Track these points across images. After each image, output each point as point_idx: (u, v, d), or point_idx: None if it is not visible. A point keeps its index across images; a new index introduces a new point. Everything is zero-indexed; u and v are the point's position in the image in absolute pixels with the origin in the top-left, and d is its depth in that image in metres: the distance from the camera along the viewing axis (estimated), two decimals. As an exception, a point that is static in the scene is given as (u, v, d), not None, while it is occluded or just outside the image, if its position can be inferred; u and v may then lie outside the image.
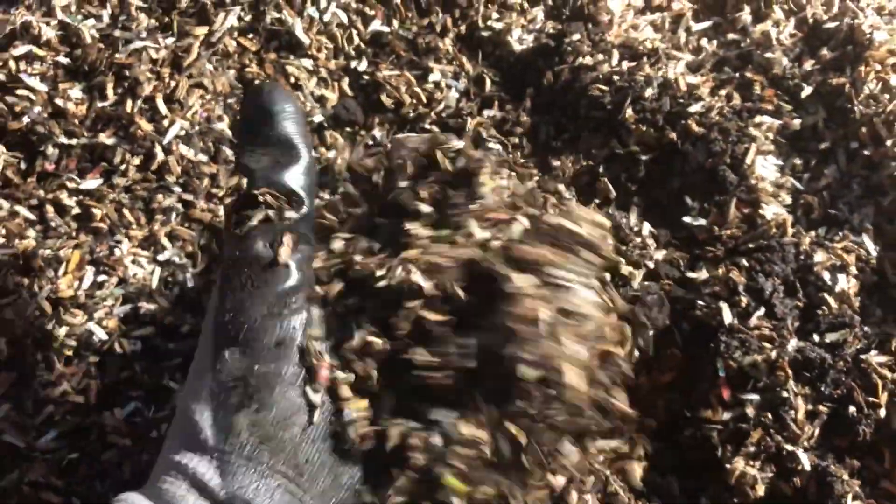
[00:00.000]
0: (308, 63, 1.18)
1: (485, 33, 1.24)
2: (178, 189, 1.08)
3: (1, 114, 1.06)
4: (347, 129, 1.18)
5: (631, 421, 0.83)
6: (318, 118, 1.16)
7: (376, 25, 1.22)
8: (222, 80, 1.13)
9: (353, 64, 1.20)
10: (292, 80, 1.17)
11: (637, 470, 0.91)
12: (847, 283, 1.03)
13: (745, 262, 1.03)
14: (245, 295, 0.69)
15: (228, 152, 1.12)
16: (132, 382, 0.97)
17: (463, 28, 1.24)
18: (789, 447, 0.93)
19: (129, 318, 1.00)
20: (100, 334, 0.97)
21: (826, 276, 1.03)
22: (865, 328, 1.01)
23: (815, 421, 0.95)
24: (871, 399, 0.96)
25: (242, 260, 0.70)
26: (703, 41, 1.24)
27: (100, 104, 1.08)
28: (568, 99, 1.18)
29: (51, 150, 1.05)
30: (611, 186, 1.10)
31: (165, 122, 1.08)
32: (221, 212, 1.06)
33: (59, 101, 1.07)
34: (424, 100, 1.19)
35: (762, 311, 1.00)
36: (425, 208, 0.77)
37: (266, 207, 0.71)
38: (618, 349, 0.79)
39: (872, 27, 1.17)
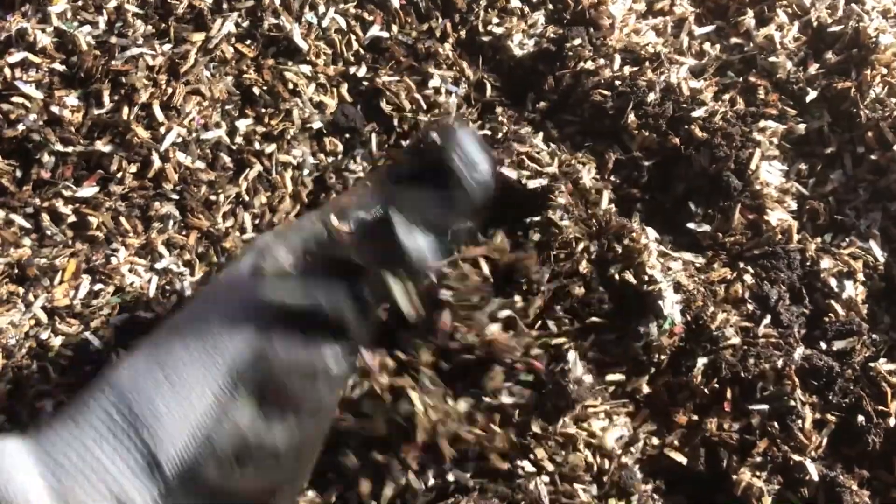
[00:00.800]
0: (306, 69, 1.17)
1: (485, 38, 1.23)
2: (175, 196, 1.07)
3: (-4, 121, 1.05)
4: (346, 135, 1.17)
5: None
6: (317, 124, 1.15)
7: (375, 31, 1.20)
8: (220, 87, 1.12)
9: (353, 70, 1.19)
10: (290, 86, 1.15)
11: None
12: (854, 290, 1.03)
13: (750, 269, 1.03)
14: None
15: (226, 159, 1.11)
16: (128, 393, 0.95)
17: (463, 33, 1.23)
18: (797, 457, 0.92)
19: (125, 328, 0.99)
20: (96, 344, 0.96)
21: (833, 282, 1.03)
22: (873, 335, 1.00)
23: (823, 430, 0.94)
24: (880, 407, 0.95)
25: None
26: (706, 45, 1.23)
27: (96, 111, 1.07)
28: (570, 104, 1.17)
29: (47, 158, 1.04)
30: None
31: (162, 130, 1.07)
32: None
33: (54, 109, 1.06)
34: (424, 106, 1.18)
35: (769, 318, 0.99)
36: None
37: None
38: None
39: (878, 30, 1.16)
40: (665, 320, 0.95)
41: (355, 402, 0.82)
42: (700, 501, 0.94)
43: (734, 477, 0.92)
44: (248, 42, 1.16)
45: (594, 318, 0.96)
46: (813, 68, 1.18)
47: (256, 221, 1.10)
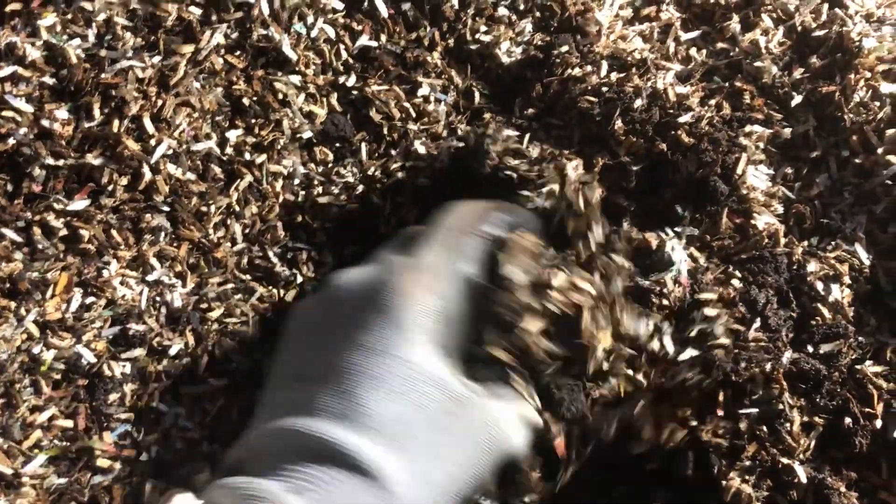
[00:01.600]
0: (296, 79, 1.18)
1: (473, 46, 1.24)
2: (166, 208, 1.07)
3: (-14, 136, 1.05)
4: (337, 144, 1.17)
5: None
6: (307, 134, 1.15)
7: (364, 40, 1.21)
8: (210, 98, 1.13)
9: (342, 79, 1.20)
10: (280, 96, 1.16)
11: None
12: (840, 293, 1.03)
13: (738, 273, 1.04)
14: None
15: (217, 170, 1.11)
16: (122, 406, 0.96)
17: (451, 42, 1.24)
18: (785, 460, 0.93)
19: (117, 340, 1.00)
20: (88, 357, 0.97)
21: (819, 286, 1.03)
22: (860, 338, 1.01)
23: (811, 433, 0.95)
24: (867, 410, 0.96)
25: None
26: (693, 51, 1.24)
27: (86, 124, 1.07)
28: (558, 110, 1.18)
29: (37, 172, 1.04)
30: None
31: (153, 142, 1.07)
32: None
33: (45, 122, 1.06)
34: (414, 114, 1.19)
35: (758, 322, 1.00)
36: None
37: None
38: None
39: (861, 35, 1.17)
40: (673, 266, 0.99)
41: None
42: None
43: (724, 482, 0.92)
44: (238, 53, 1.17)
45: None
46: (798, 73, 1.19)
47: (247, 231, 1.10)
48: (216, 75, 1.15)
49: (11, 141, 1.04)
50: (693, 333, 0.98)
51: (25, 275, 0.99)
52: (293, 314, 0.93)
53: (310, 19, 1.19)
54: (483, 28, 1.24)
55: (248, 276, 1.08)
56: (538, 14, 1.27)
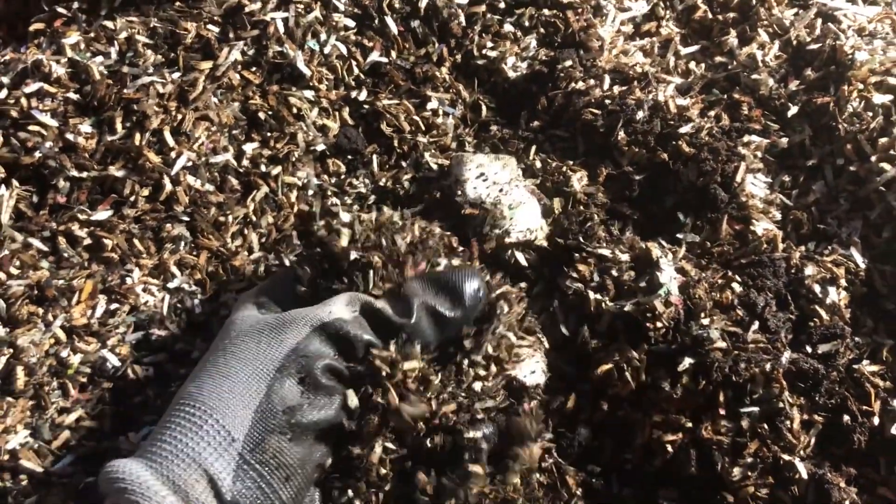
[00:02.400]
0: (310, 94, 1.22)
1: (480, 62, 1.28)
2: (186, 218, 1.11)
3: (14, 149, 1.09)
4: (349, 156, 1.21)
5: None
6: (320, 147, 1.19)
7: (375, 56, 1.25)
8: (227, 112, 1.16)
9: (354, 94, 1.24)
10: (295, 110, 1.20)
11: None
12: (837, 296, 1.06)
13: (738, 277, 1.06)
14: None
15: (234, 181, 1.15)
16: (146, 407, 0.99)
17: (459, 57, 1.28)
18: (786, 457, 0.95)
19: (141, 345, 1.03)
20: (113, 361, 1.00)
21: (817, 288, 1.06)
22: (857, 338, 1.04)
23: (811, 430, 0.97)
24: (865, 407, 0.98)
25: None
26: (692, 65, 1.28)
27: (109, 138, 1.11)
28: (562, 123, 1.22)
29: (62, 184, 1.08)
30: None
31: (173, 154, 1.11)
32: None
33: (69, 136, 1.10)
34: (423, 127, 1.23)
35: (757, 324, 1.02)
36: None
37: None
38: None
39: (854, 48, 1.21)
40: (661, 288, 1.00)
41: None
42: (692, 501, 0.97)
43: (727, 479, 0.94)
44: (254, 69, 1.21)
45: None
46: (793, 85, 1.23)
47: (263, 240, 1.14)
48: (233, 90, 1.19)
49: (37, 154, 1.08)
50: (689, 340, 1.00)
51: (52, 282, 1.02)
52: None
53: (323, 36, 1.24)
54: (489, 44, 1.29)
55: (265, 284, 1.11)
56: (542, 30, 1.31)
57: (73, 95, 1.13)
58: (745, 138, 1.17)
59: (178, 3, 1.22)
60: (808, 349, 1.02)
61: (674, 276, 1.04)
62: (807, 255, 1.10)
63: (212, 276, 1.10)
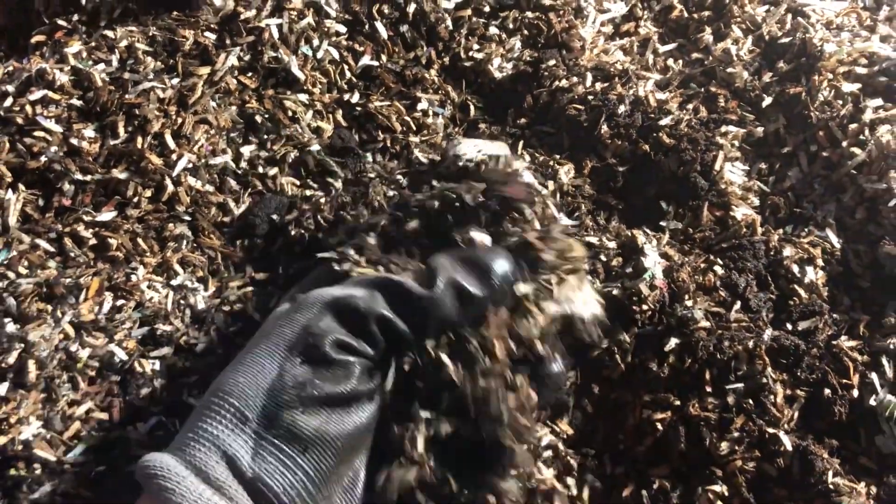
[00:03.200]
0: (304, 97, 1.26)
1: (467, 63, 1.32)
2: (187, 218, 1.14)
3: (20, 154, 1.12)
4: (343, 156, 1.25)
5: None
6: (315, 147, 1.23)
7: (366, 60, 1.29)
8: (225, 116, 1.20)
9: (346, 96, 1.28)
10: (290, 113, 1.24)
11: None
12: (815, 275, 1.10)
13: (719, 261, 1.10)
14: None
15: (233, 183, 1.18)
16: (153, 399, 1.01)
17: (447, 59, 1.33)
18: (771, 430, 0.98)
19: (147, 340, 1.06)
20: (120, 355, 1.03)
21: (795, 269, 1.10)
22: (835, 315, 1.08)
23: (794, 404, 1.00)
24: (845, 381, 1.02)
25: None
26: (670, 61, 1.33)
27: (112, 142, 1.14)
28: (547, 119, 1.26)
29: (67, 187, 1.11)
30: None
31: (174, 156, 1.15)
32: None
33: (73, 141, 1.13)
34: (414, 127, 1.27)
35: (739, 304, 1.06)
36: None
37: None
38: None
39: (822, 40, 1.26)
40: (646, 273, 1.04)
41: None
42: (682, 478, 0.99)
43: (716, 454, 0.97)
44: (250, 74, 1.25)
45: None
46: (767, 77, 1.28)
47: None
48: (231, 94, 1.23)
49: (43, 159, 1.12)
50: (674, 321, 1.03)
51: (60, 280, 1.05)
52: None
53: (315, 42, 1.28)
54: (476, 46, 1.33)
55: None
56: (526, 32, 1.36)
57: (76, 102, 1.16)
58: (723, 129, 1.22)
59: (175, 12, 1.26)
60: (789, 326, 1.06)
61: (658, 261, 1.08)
62: (785, 238, 1.14)
63: (213, 273, 1.13)
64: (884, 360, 1.03)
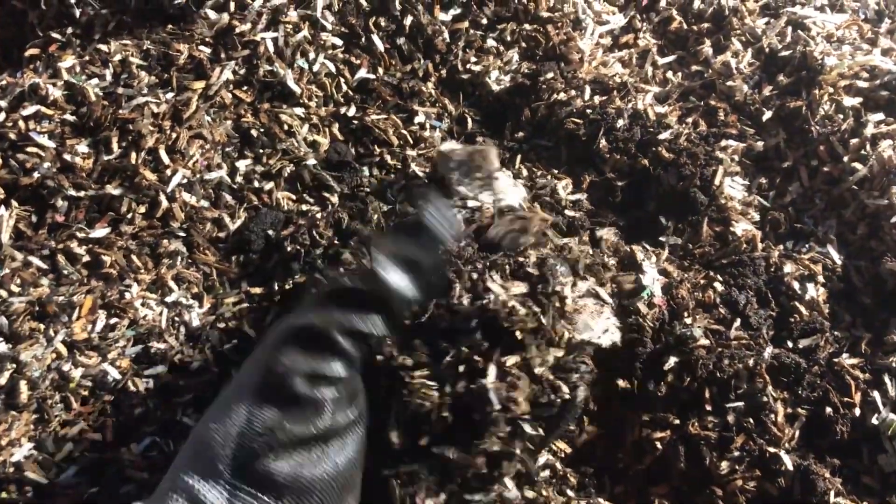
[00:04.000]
0: (300, 111, 1.25)
1: (464, 76, 1.31)
2: (182, 234, 1.13)
3: (13, 170, 1.11)
4: (339, 171, 1.24)
5: None
6: (311, 162, 1.22)
7: (362, 73, 1.29)
8: (220, 130, 1.19)
9: (343, 110, 1.27)
10: (286, 127, 1.23)
11: None
12: (816, 292, 1.09)
13: (719, 277, 1.09)
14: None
15: (229, 198, 1.17)
16: (147, 419, 1.01)
17: (444, 72, 1.32)
18: (772, 449, 0.97)
19: (141, 358, 1.05)
20: (114, 374, 1.02)
21: (796, 285, 1.09)
22: (836, 332, 1.07)
23: (795, 423, 0.99)
24: (846, 399, 1.01)
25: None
26: (669, 74, 1.32)
27: (106, 157, 1.13)
28: (545, 132, 1.25)
29: (60, 203, 1.11)
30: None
31: (168, 172, 1.14)
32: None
33: (67, 157, 1.12)
34: (411, 140, 1.26)
35: (739, 321, 1.05)
36: None
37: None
38: None
39: (823, 53, 1.25)
40: (644, 290, 1.03)
41: None
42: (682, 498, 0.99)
43: (715, 473, 0.96)
44: (245, 88, 1.24)
45: None
46: (767, 90, 1.27)
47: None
48: (226, 109, 1.22)
49: (36, 175, 1.11)
50: (673, 339, 1.02)
51: (52, 298, 1.04)
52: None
53: (311, 55, 1.27)
54: (473, 59, 1.32)
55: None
56: (524, 44, 1.35)
57: (69, 117, 1.15)
58: (723, 143, 1.21)
59: (170, 26, 1.25)
60: (790, 344, 1.05)
61: (657, 278, 1.07)
62: (785, 254, 1.13)
63: (208, 289, 1.12)
64: (886, 378, 1.02)
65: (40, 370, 1.00)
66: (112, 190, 1.12)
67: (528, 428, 0.82)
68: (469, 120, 1.29)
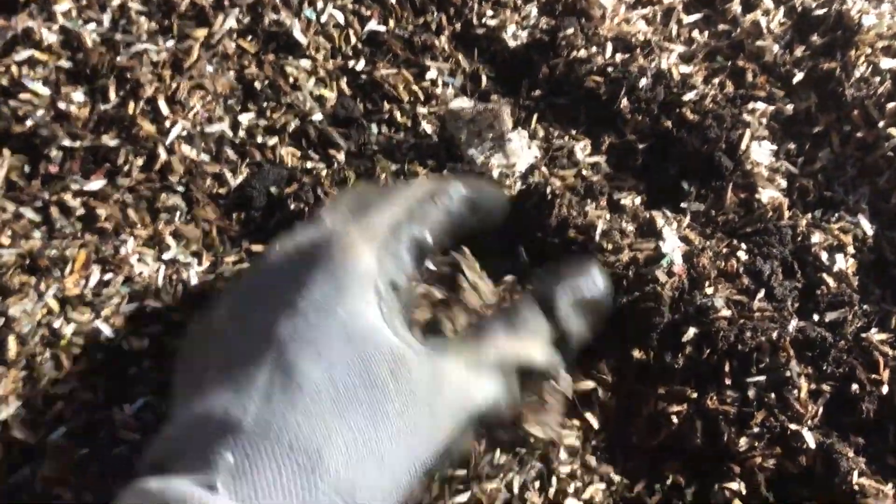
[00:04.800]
0: (306, 63, 1.20)
1: (479, 30, 1.26)
2: (181, 188, 1.09)
3: (4, 118, 1.07)
4: (346, 127, 1.19)
5: None
6: (317, 117, 1.17)
7: (373, 25, 1.24)
8: (222, 81, 1.15)
9: (351, 63, 1.22)
10: (291, 80, 1.18)
11: None
12: (845, 263, 1.06)
13: (743, 246, 1.06)
14: None
15: (230, 152, 1.13)
16: (140, 379, 0.97)
17: (458, 26, 1.27)
18: (794, 427, 0.94)
19: (135, 316, 1.01)
20: (107, 332, 0.98)
21: (824, 256, 1.06)
22: (865, 306, 1.03)
23: (819, 400, 0.96)
24: (873, 376, 0.97)
25: None
26: (695, 33, 1.27)
27: (102, 107, 1.09)
28: (564, 91, 1.21)
29: (54, 153, 1.06)
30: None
31: (167, 123, 1.10)
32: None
33: (61, 105, 1.08)
34: (422, 97, 1.21)
35: (762, 292, 1.02)
36: None
37: None
38: None
39: (860, 12, 1.20)
40: (664, 258, 0.99)
41: None
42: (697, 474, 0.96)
43: (733, 450, 0.93)
44: (250, 38, 1.19)
45: None
46: (799, 51, 1.22)
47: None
48: (229, 59, 1.17)
49: (29, 123, 1.06)
50: (693, 309, 0.99)
51: (44, 252, 1.00)
52: (227, 286, 0.92)
53: (319, 5, 1.22)
54: (489, 12, 1.27)
55: (262, 255, 1.09)
56: (543, -1, 1.29)
57: (64, 63, 1.11)
58: (750, 105, 1.17)
59: (171, -30, 1.20)
60: (816, 317, 1.02)
61: (677, 246, 1.03)
62: (813, 223, 1.09)
63: (208, 247, 1.08)
64: (916, 355, 0.98)
65: (30, 326, 0.96)
66: (108, 141, 1.08)
67: None
68: (483, 77, 1.24)
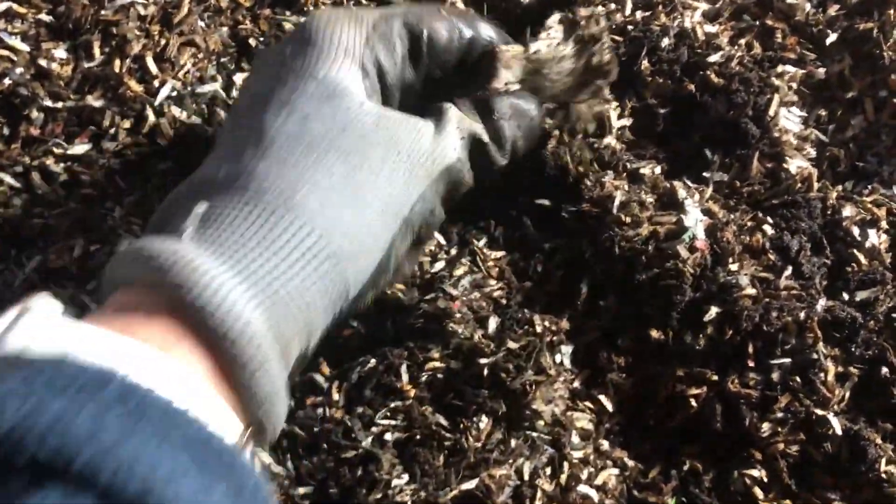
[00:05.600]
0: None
1: (491, -14, 1.19)
2: (171, 153, 1.04)
3: (-20, 76, 1.02)
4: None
5: None
6: (316, 77, 1.12)
7: (374, -23, 1.18)
8: (215, 38, 1.10)
9: (352, 19, 1.16)
10: (289, 37, 1.13)
11: None
12: (878, 239, 1.02)
13: (769, 219, 1.02)
14: None
15: (223, 114, 1.08)
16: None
17: (468, -20, 1.20)
18: (819, 411, 0.91)
19: (122, 287, 0.97)
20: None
21: (855, 231, 1.02)
22: (898, 285, 0.99)
23: (846, 383, 0.93)
24: (905, 359, 0.93)
25: None
26: (720, -10, 1.21)
27: (86, 64, 1.04)
28: (579, 52, 1.15)
29: (35, 114, 1.02)
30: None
31: (156, 83, 1.05)
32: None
33: (42, 62, 1.03)
34: (428, 58, 1.15)
35: (790, 269, 0.98)
36: None
37: None
38: None
39: (901, -33, 1.15)
40: (686, 233, 0.96)
41: None
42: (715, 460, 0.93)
43: (755, 434, 0.91)
44: (244, -9, 1.13)
45: None
46: (833, 9, 1.17)
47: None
48: (221, 14, 1.12)
49: (7, 81, 1.01)
50: (716, 287, 0.95)
51: (26, 221, 0.96)
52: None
53: (318, -45, 1.16)
54: (500, -34, 1.20)
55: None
56: (558, -49, 1.23)
57: (45, 17, 1.06)
58: (779, 68, 1.12)
59: (160, -83, 1.14)
60: (845, 296, 0.99)
61: (700, 219, 0.99)
62: (844, 195, 1.06)
63: (201, 216, 1.03)
64: (951, 338, 0.94)
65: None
66: (93, 101, 1.03)
67: None
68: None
